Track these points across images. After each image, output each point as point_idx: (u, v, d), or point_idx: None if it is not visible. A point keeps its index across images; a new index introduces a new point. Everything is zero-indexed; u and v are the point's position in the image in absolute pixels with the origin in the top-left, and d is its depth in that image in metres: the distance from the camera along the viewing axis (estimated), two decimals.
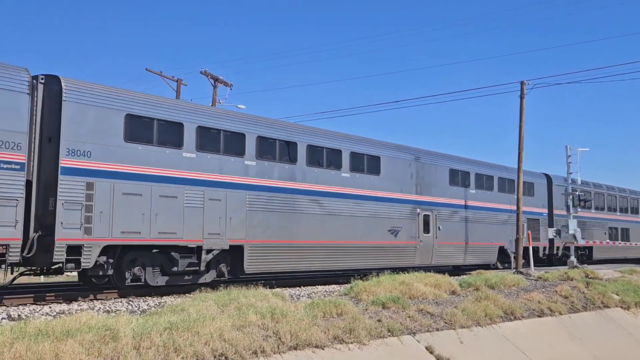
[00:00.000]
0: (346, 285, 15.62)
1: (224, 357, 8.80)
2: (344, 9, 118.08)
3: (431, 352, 11.94)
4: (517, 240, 24.76)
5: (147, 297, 14.42)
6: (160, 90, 49.10)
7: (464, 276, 19.37)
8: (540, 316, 16.05)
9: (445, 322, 13.28)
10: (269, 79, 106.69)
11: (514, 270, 23.33)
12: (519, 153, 25.56)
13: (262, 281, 17.19)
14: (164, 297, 14.37)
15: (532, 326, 15.36)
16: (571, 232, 27.32)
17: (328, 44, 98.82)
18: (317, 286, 17.74)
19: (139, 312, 11.54)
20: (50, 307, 12.05)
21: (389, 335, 11.70)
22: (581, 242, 28.57)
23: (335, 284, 18.72)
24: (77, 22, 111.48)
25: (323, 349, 10.22)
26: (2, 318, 10.54)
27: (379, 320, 12.06)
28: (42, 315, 10.98)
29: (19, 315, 10.91)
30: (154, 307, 12.02)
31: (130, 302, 13.10)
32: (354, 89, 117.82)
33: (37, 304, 12.93)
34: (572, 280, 20.60)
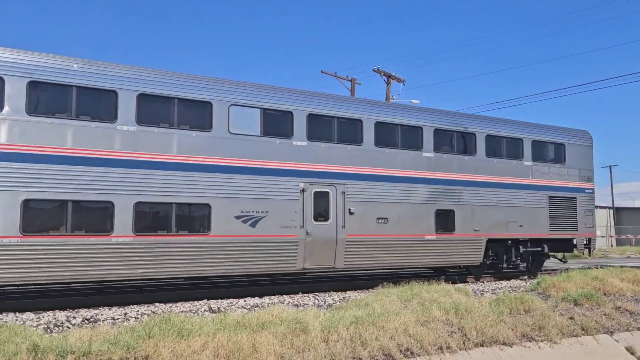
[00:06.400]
0: (532, 280, 14.94)
1: (409, 352, 8.84)
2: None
3: (632, 353, 11.02)
4: None
5: (331, 292, 14.89)
6: (337, 89, 50.51)
7: None
8: None
9: None
10: (438, 73, 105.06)
11: None
12: None
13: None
14: (347, 292, 14.75)
15: None
16: None
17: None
18: (501, 281, 17.15)
19: (325, 306, 11.98)
20: (245, 301, 12.92)
21: (583, 334, 11.01)
22: None
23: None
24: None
25: (511, 347, 9.87)
26: (205, 310, 11.52)
27: (570, 318, 11.39)
28: (239, 308, 11.82)
29: (218, 307, 11.84)
30: (339, 302, 12.40)
31: (317, 297, 13.64)
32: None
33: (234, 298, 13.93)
34: None
